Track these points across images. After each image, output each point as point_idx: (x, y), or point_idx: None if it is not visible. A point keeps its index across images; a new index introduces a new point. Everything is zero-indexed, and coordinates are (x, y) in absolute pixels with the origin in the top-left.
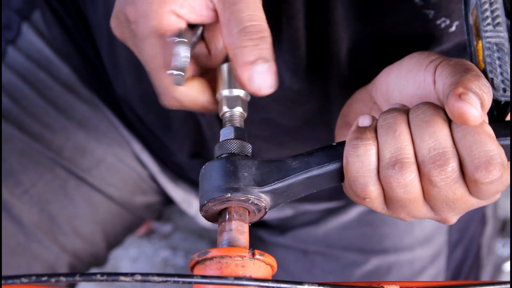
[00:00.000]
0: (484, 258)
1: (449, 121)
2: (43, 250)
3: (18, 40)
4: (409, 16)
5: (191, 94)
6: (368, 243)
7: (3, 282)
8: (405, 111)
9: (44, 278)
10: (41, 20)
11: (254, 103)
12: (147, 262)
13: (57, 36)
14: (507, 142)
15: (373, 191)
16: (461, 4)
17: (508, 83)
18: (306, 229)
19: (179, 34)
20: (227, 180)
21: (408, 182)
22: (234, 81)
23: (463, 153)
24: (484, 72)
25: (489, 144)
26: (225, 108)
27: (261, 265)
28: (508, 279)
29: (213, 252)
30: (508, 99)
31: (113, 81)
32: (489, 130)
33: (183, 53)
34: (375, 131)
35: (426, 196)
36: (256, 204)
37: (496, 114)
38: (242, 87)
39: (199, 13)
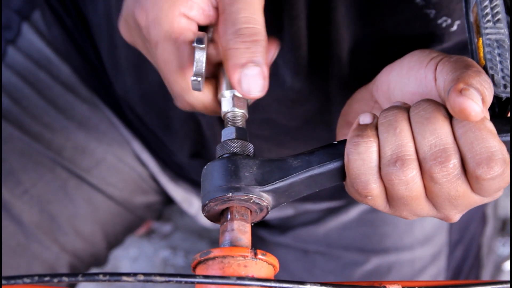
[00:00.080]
0: (485, 258)
1: (450, 118)
2: (43, 250)
3: (18, 40)
4: (410, 16)
5: (203, 98)
6: (368, 243)
7: (5, 282)
8: (405, 108)
9: (46, 278)
10: (41, 20)
11: (255, 103)
12: (147, 262)
13: (57, 36)
14: (509, 138)
15: (375, 188)
16: (462, 3)
17: (509, 79)
18: (306, 228)
19: (199, 40)
20: (229, 179)
21: (409, 179)
22: None
23: (464, 149)
24: (485, 68)
25: (491, 140)
26: (226, 109)
27: (263, 265)
28: (508, 278)
29: (215, 252)
30: (509, 95)
31: (113, 81)
32: (491, 126)
33: (202, 59)
34: (376, 129)
35: (428, 193)
36: (258, 203)
37: (497, 111)
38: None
39: (207, 13)
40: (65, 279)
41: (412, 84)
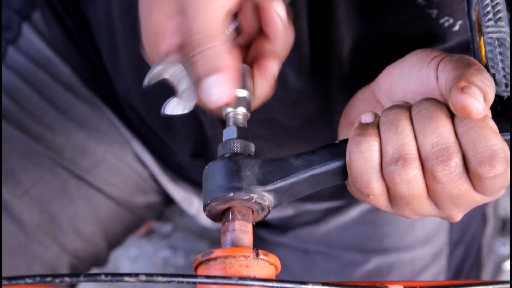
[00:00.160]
0: (485, 258)
1: (452, 117)
2: (43, 250)
3: (18, 41)
4: (412, 15)
5: None
6: (368, 243)
7: (7, 282)
8: (407, 107)
9: (48, 279)
10: (41, 20)
11: None
12: (147, 262)
13: (57, 36)
14: (510, 137)
15: (377, 187)
16: (464, 2)
17: (510, 78)
18: (306, 228)
19: (148, 75)
20: (230, 179)
21: (411, 178)
22: (240, 81)
23: (466, 148)
24: (486, 67)
25: (493, 138)
26: (228, 108)
27: (265, 265)
28: (508, 278)
29: (217, 252)
30: (510, 94)
31: (114, 81)
32: (492, 124)
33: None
34: (378, 128)
35: (430, 192)
36: (259, 203)
37: (499, 110)
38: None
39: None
40: (67, 279)
41: (414, 83)
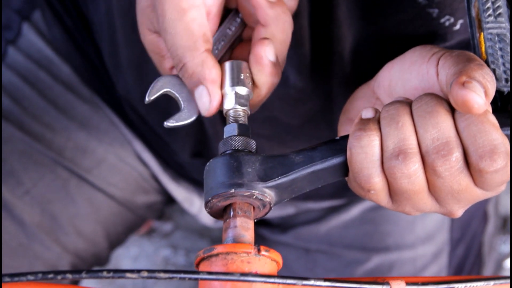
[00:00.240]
0: (486, 255)
1: (453, 112)
2: (45, 250)
3: (18, 40)
4: (413, 15)
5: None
6: (370, 241)
7: (9, 279)
8: (407, 103)
9: (50, 276)
10: (42, 20)
11: None
12: (148, 261)
13: (58, 36)
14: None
15: (378, 182)
16: (464, 0)
17: (510, 73)
18: (308, 227)
19: (149, 93)
20: (231, 176)
21: (412, 173)
22: (238, 79)
23: (467, 142)
24: (487, 63)
25: (493, 133)
26: (228, 106)
27: (266, 261)
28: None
29: (219, 249)
30: (510, 89)
31: (115, 80)
32: (493, 119)
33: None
34: (378, 123)
35: (431, 187)
36: (261, 199)
37: (500, 105)
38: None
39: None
40: (69, 276)
41: (414, 79)
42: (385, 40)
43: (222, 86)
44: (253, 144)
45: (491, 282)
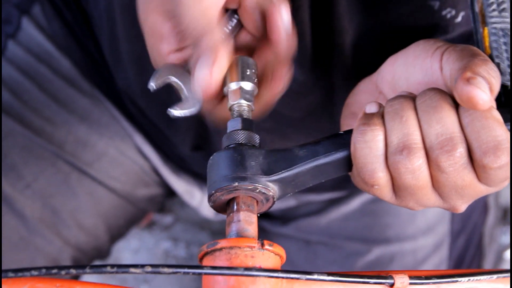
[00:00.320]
0: (486, 247)
1: (457, 107)
2: (46, 244)
3: (18, 34)
4: (414, 7)
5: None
6: (370, 233)
7: (13, 274)
8: (411, 97)
9: (54, 271)
10: (41, 14)
11: None
12: (148, 254)
13: (57, 29)
14: None
15: (382, 177)
16: None
17: None
18: (308, 219)
19: (152, 78)
20: (234, 169)
21: (416, 168)
22: (244, 74)
23: (471, 138)
24: (491, 57)
25: (497, 129)
26: (233, 100)
27: (270, 256)
28: (509, 267)
29: (222, 243)
30: None
31: (115, 74)
32: (497, 115)
33: (175, 88)
34: (382, 118)
35: (435, 182)
36: (264, 193)
37: (503, 100)
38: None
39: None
40: (73, 271)
41: (418, 74)
42: (386, 33)
43: (228, 80)
44: (256, 138)
45: (494, 276)
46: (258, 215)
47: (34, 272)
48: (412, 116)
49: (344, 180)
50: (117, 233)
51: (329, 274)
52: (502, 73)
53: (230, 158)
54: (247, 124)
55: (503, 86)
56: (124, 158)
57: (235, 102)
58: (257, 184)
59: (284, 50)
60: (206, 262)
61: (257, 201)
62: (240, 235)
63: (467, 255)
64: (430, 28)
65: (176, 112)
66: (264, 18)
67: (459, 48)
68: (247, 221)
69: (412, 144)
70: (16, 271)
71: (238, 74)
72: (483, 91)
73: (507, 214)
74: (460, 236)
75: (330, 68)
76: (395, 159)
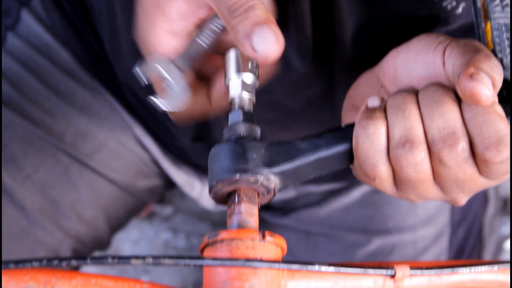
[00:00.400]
0: (486, 237)
1: (459, 101)
2: (46, 235)
3: (17, 26)
4: None
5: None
6: (370, 224)
7: (14, 266)
8: (414, 92)
9: (55, 262)
10: (40, 5)
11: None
12: (148, 245)
13: (57, 21)
14: None
15: (383, 171)
16: None
17: None
18: (308, 210)
19: (142, 72)
20: (236, 161)
21: (418, 162)
22: (242, 66)
23: (473, 132)
24: (494, 52)
25: (499, 123)
26: (234, 93)
27: (271, 247)
28: (509, 257)
29: (224, 235)
30: None
31: (115, 65)
32: (499, 109)
33: (162, 77)
34: (384, 112)
35: (436, 176)
36: (265, 185)
37: (505, 95)
38: (256, 61)
39: (194, 14)
40: (74, 262)
41: (420, 69)
42: (386, 23)
43: (228, 72)
44: (258, 131)
45: (495, 267)
46: (259, 207)
47: (35, 264)
48: (415, 110)
49: (344, 171)
50: (117, 224)
51: (330, 264)
52: (505, 68)
53: (232, 150)
54: (249, 116)
55: (505, 81)
56: (124, 149)
57: (236, 94)
58: (258, 176)
59: None
60: (207, 253)
61: (258, 193)
62: (241, 226)
63: (467, 246)
64: (431, 19)
65: (161, 105)
66: None
67: (461, 43)
68: (248, 212)
69: (414, 138)
70: (17, 262)
71: (239, 66)
72: (486, 87)
73: (507, 205)
74: (460, 226)
75: (331, 59)
76: (397, 153)
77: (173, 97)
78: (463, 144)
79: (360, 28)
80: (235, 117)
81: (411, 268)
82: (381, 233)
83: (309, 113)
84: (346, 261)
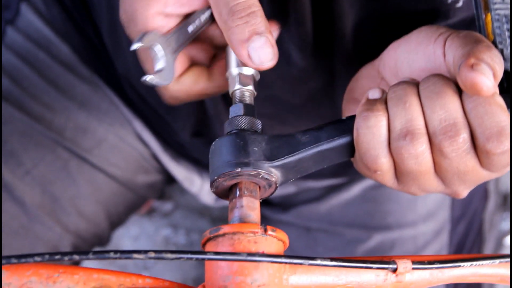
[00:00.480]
0: (486, 233)
1: (460, 93)
2: (46, 231)
3: (17, 20)
4: None
5: (183, 88)
6: (371, 220)
7: (16, 261)
8: (415, 84)
9: (57, 257)
10: None
11: (259, 80)
12: (148, 241)
13: (56, 15)
14: None
15: (384, 163)
16: None
17: None
18: (308, 206)
19: (140, 39)
20: (237, 155)
21: (419, 153)
22: None
23: (474, 124)
24: (494, 43)
25: (500, 114)
26: (234, 86)
27: (273, 241)
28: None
29: (225, 229)
30: None
31: (114, 59)
32: (500, 101)
33: (156, 55)
34: (385, 104)
35: (437, 168)
36: (267, 178)
37: (506, 86)
38: (246, 65)
39: (189, 4)
40: (76, 257)
41: (421, 60)
42: (386, 17)
43: (229, 65)
44: (259, 124)
45: (496, 261)
46: (261, 200)
47: (37, 258)
48: (415, 102)
49: (344, 167)
50: (117, 220)
51: (332, 259)
52: (505, 59)
53: (233, 144)
54: (249, 109)
55: (505, 72)
56: (123, 144)
57: (236, 88)
58: (260, 170)
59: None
60: (209, 247)
61: (259, 187)
62: (243, 220)
63: (467, 241)
64: (431, 12)
65: (154, 81)
66: None
67: (462, 34)
68: (249, 206)
69: (415, 129)
70: (19, 257)
71: (238, 60)
72: (487, 77)
73: (507, 201)
74: (460, 222)
75: (331, 53)
76: (398, 145)
77: (163, 71)
78: (464, 136)
79: (360, 22)
80: (235, 110)
81: (413, 262)
82: (381, 229)
83: (309, 107)
84: (346, 256)
